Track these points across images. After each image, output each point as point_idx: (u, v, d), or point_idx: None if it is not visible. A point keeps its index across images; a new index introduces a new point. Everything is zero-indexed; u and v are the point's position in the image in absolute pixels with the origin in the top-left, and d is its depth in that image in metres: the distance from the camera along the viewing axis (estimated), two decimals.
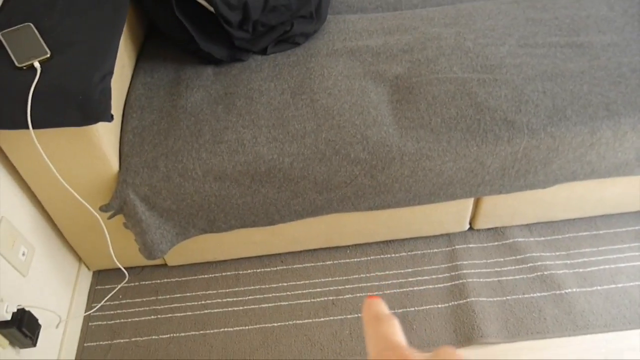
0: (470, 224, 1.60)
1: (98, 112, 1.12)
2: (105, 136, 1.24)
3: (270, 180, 1.29)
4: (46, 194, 1.33)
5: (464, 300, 1.45)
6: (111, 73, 1.17)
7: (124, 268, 1.56)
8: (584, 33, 1.46)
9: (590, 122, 1.28)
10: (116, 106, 1.34)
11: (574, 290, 1.46)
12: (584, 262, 1.52)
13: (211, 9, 1.36)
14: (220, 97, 1.39)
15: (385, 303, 1.45)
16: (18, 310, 1.19)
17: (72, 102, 1.11)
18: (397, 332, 0.34)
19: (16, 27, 1.21)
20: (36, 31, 1.20)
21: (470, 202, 1.49)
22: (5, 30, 1.19)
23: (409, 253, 1.58)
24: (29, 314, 1.21)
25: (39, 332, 1.25)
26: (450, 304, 1.46)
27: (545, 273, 1.49)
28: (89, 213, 1.36)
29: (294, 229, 1.49)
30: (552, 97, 1.31)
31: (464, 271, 1.52)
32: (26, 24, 1.22)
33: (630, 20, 1.50)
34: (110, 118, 1.15)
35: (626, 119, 1.28)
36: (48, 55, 1.15)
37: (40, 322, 1.27)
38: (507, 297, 1.46)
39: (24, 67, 1.14)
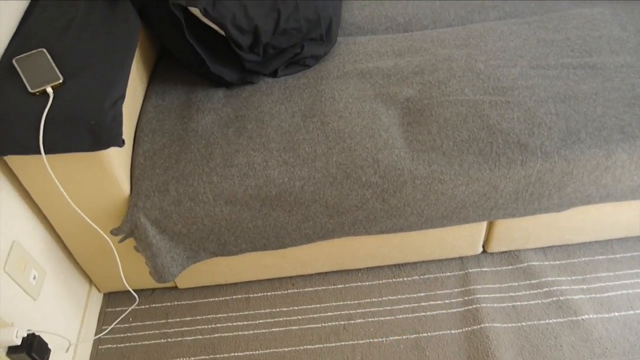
0: (483, 247, 1.57)
1: (109, 137, 1.13)
2: (116, 160, 1.24)
3: (281, 204, 1.28)
4: (57, 217, 1.33)
5: (478, 326, 1.43)
6: (123, 98, 1.18)
7: (135, 290, 1.56)
8: (596, 54, 1.45)
9: (605, 144, 1.26)
10: (128, 129, 1.35)
11: (591, 316, 1.43)
12: (600, 287, 1.49)
13: (222, 32, 1.37)
14: (231, 120, 1.39)
15: (397, 328, 1.43)
16: (28, 335, 1.18)
17: (84, 127, 1.11)
18: None
19: (30, 52, 1.22)
20: (49, 56, 1.21)
21: (483, 225, 1.47)
22: (19, 56, 1.20)
23: (421, 277, 1.55)
24: (39, 338, 1.21)
25: (48, 357, 1.24)
26: (463, 329, 1.43)
27: (561, 298, 1.46)
28: (100, 236, 1.36)
29: (305, 252, 1.48)
30: (566, 119, 1.29)
31: (478, 296, 1.49)
32: (40, 49, 1.23)
33: None
34: (121, 143, 1.15)
35: None
36: (60, 81, 1.16)
37: (50, 346, 1.26)
38: (522, 323, 1.43)
39: (37, 93, 1.15)
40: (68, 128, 1.11)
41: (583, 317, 1.43)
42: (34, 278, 1.28)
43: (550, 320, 1.43)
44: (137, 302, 1.57)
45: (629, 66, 1.41)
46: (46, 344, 1.24)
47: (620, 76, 1.38)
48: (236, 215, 1.29)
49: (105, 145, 1.14)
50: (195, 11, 1.32)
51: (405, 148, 1.29)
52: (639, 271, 1.52)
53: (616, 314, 1.43)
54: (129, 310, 1.56)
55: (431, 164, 1.27)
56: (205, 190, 1.27)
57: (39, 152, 1.11)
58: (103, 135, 1.12)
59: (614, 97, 1.33)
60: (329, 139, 1.31)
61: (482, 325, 1.42)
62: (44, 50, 1.23)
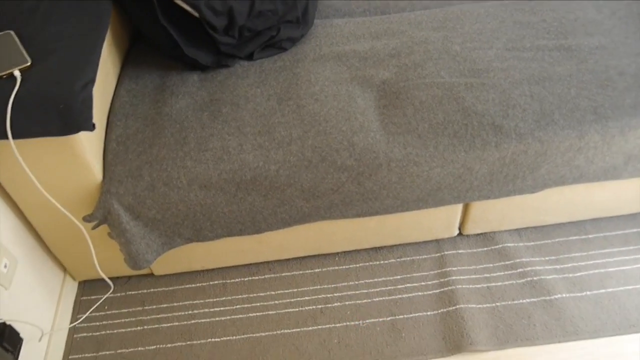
0: (459, 229, 1.58)
1: (79, 121, 1.10)
2: (88, 145, 1.22)
3: (256, 188, 1.27)
4: (28, 204, 1.30)
5: (453, 307, 1.44)
6: (93, 81, 1.15)
7: (111, 278, 1.54)
8: (571, 36, 1.45)
9: (578, 126, 1.27)
10: (100, 114, 1.32)
11: (564, 295, 1.45)
12: (573, 267, 1.51)
13: (196, 14, 1.34)
14: (205, 103, 1.38)
15: (374, 311, 1.44)
16: None
17: (53, 111, 1.08)
18: None
19: None
20: (17, 39, 1.18)
21: (459, 207, 1.48)
22: None
23: (397, 260, 1.56)
24: (10, 327, 1.19)
25: (20, 346, 1.22)
26: (439, 311, 1.44)
27: (535, 278, 1.48)
28: (73, 224, 1.34)
29: (282, 237, 1.48)
30: (540, 101, 1.30)
31: (453, 277, 1.50)
32: (7, 31, 1.20)
33: (618, 22, 1.49)
34: (92, 127, 1.13)
35: (614, 122, 1.27)
36: (29, 64, 1.13)
37: (22, 335, 1.25)
38: (497, 304, 1.45)
39: (4, 76, 1.12)
40: (36, 112, 1.09)
41: (556, 297, 1.45)
42: (5, 266, 1.25)
43: (524, 300, 1.45)
44: (112, 290, 1.55)
45: (603, 48, 1.42)
46: (17, 334, 1.22)
47: (594, 58, 1.39)
48: (211, 200, 1.28)
49: (75, 130, 1.11)
50: None
51: (380, 131, 1.29)
52: (610, 251, 1.54)
53: (588, 292, 1.46)
54: (104, 298, 1.54)
55: (406, 146, 1.27)
56: (179, 175, 1.26)
57: (6, 137, 1.08)
58: (73, 119, 1.10)
59: (588, 78, 1.34)
60: (305, 123, 1.30)
61: (458, 307, 1.44)
62: (11, 32, 1.19)
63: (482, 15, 1.53)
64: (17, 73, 1.12)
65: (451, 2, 1.65)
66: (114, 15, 1.45)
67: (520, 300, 1.45)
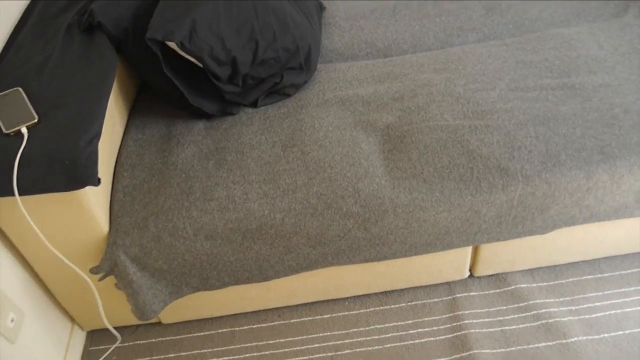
0: (470, 271, 1.56)
1: (84, 176, 1.11)
2: (94, 198, 1.22)
3: (262, 236, 1.27)
4: (36, 257, 1.31)
5: (467, 353, 1.40)
6: (99, 136, 1.17)
7: (119, 327, 1.53)
8: (574, 74, 1.45)
9: (586, 166, 1.26)
10: (107, 165, 1.34)
11: (581, 338, 1.41)
12: (589, 307, 1.47)
13: (200, 64, 1.36)
14: (211, 152, 1.38)
15: (386, 358, 1.41)
16: None
17: (59, 167, 1.10)
18: None
19: (5, 92, 1.21)
20: (25, 96, 1.20)
21: (469, 249, 1.46)
22: None
23: (408, 304, 1.53)
24: None
25: None
26: (452, 357, 1.41)
27: (550, 321, 1.45)
28: (80, 276, 1.34)
29: (290, 283, 1.46)
30: (545, 141, 1.29)
31: (466, 321, 1.47)
32: (15, 88, 1.22)
33: (620, 59, 1.49)
34: (97, 182, 1.13)
35: (622, 161, 1.26)
36: (35, 120, 1.15)
37: None
38: (511, 348, 1.41)
39: (12, 134, 1.14)
40: (42, 168, 1.10)
41: (572, 340, 1.41)
42: (12, 321, 1.25)
43: (540, 344, 1.41)
44: (120, 340, 1.54)
45: (607, 85, 1.41)
46: None
47: (598, 96, 1.39)
48: (217, 249, 1.27)
49: (80, 185, 1.12)
50: (173, 45, 1.32)
51: (385, 176, 1.28)
52: (627, 290, 1.50)
53: (606, 335, 1.41)
54: (112, 349, 1.53)
55: (412, 191, 1.26)
56: (185, 225, 1.26)
57: (13, 194, 1.09)
58: (78, 174, 1.11)
59: (593, 117, 1.33)
60: (309, 169, 1.30)
61: (471, 352, 1.40)
62: (20, 89, 1.22)
63: (484, 55, 1.54)
64: (24, 130, 1.14)
65: (453, 43, 1.67)
66: (121, 66, 1.48)
67: (536, 345, 1.41)
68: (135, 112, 1.53)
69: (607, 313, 1.46)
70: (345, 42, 1.71)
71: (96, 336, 1.57)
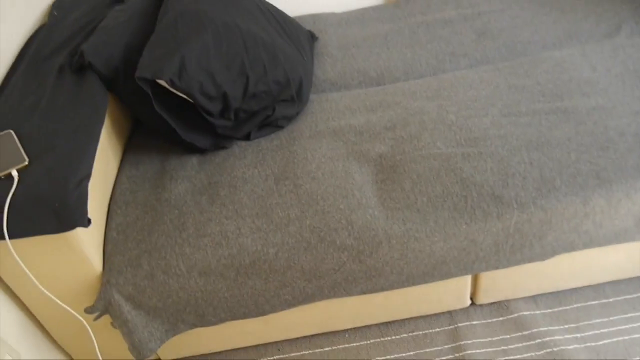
0: (471, 299, 1.53)
1: (74, 218, 1.11)
2: (86, 238, 1.22)
3: (256, 272, 1.25)
4: (30, 299, 1.30)
5: None
6: (88, 177, 1.17)
7: None
8: (567, 97, 1.44)
9: (582, 191, 1.24)
10: (101, 203, 1.33)
11: None
12: (595, 334, 1.43)
13: (191, 100, 1.37)
14: (204, 187, 1.38)
15: None
16: None
17: (48, 210, 1.10)
18: None
19: None
20: (16, 138, 1.21)
21: (468, 277, 1.44)
22: None
23: (410, 334, 1.50)
24: None
25: None
26: None
27: (555, 349, 1.41)
28: (75, 317, 1.33)
29: (288, 316, 1.44)
30: (540, 167, 1.28)
31: (469, 351, 1.44)
32: (7, 131, 1.23)
33: (614, 80, 1.48)
34: (86, 223, 1.13)
35: (618, 185, 1.24)
36: (26, 163, 1.15)
37: None
38: None
39: (2, 177, 1.14)
40: (32, 211, 1.10)
41: None
42: None
43: None
44: None
45: (600, 108, 1.40)
46: None
47: (592, 119, 1.37)
48: (211, 286, 1.26)
49: (70, 227, 1.12)
50: (163, 82, 1.33)
51: (379, 207, 1.27)
52: (633, 315, 1.47)
53: None
54: None
55: (406, 222, 1.24)
56: (177, 262, 1.25)
57: (3, 238, 1.09)
58: (67, 216, 1.11)
59: (587, 141, 1.32)
60: (302, 202, 1.29)
61: None
62: (11, 131, 1.22)
63: (476, 81, 1.53)
64: (14, 173, 1.14)
65: (445, 69, 1.66)
66: (114, 103, 1.49)
67: None
68: (130, 148, 1.54)
69: (614, 340, 1.42)
70: (338, 71, 1.72)
71: None
